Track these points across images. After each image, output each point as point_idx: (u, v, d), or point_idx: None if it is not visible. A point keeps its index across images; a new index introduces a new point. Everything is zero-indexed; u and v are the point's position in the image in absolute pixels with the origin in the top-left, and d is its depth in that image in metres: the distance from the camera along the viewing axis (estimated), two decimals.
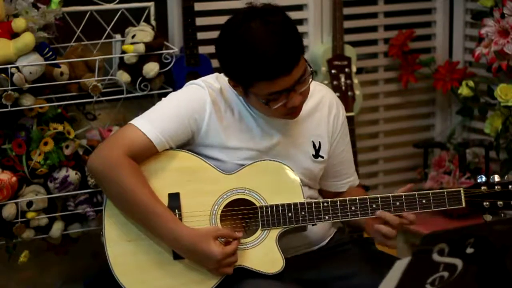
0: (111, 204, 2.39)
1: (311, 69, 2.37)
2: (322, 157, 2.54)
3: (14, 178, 2.86)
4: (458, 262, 1.78)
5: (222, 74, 2.51)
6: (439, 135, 4.07)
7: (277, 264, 2.36)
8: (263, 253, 2.37)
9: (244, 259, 2.36)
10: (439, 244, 1.73)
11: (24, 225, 2.93)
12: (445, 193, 2.41)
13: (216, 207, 2.39)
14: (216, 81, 2.47)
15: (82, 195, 3.04)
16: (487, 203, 2.40)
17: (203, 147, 2.44)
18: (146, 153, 2.40)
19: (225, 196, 2.40)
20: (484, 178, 2.42)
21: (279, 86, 2.29)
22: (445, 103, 4.06)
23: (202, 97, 2.43)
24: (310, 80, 2.37)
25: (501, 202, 2.40)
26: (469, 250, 1.78)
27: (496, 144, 3.47)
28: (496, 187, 2.41)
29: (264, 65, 2.25)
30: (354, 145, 3.32)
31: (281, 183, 2.42)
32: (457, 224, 3.52)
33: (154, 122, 2.39)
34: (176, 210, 2.37)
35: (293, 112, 2.38)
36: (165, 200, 2.38)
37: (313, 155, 2.52)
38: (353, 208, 2.40)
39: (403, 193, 2.40)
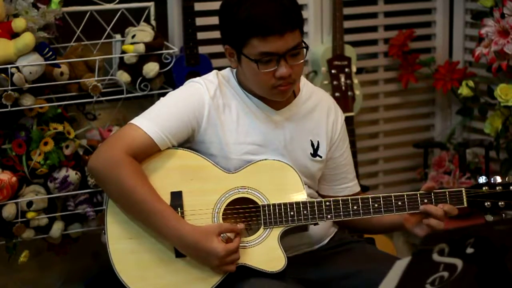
0: (113, 202, 2.40)
1: (305, 45, 2.39)
2: (320, 156, 2.54)
3: (14, 178, 2.86)
4: (458, 262, 1.78)
5: (221, 71, 2.52)
6: (439, 135, 4.08)
7: (279, 262, 2.36)
8: (265, 252, 2.37)
9: (246, 257, 2.36)
10: (439, 244, 1.73)
11: (24, 225, 2.93)
12: (447, 193, 2.42)
13: (218, 205, 2.40)
14: (215, 77, 2.49)
15: (82, 195, 3.04)
16: (489, 203, 2.41)
17: (202, 144, 2.45)
18: (147, 152, 2.40)
19: (228, 195, 2.41)
20: (485, 179, 2.43)
21: (271, 46, 2.32)
22: (445, 103, 4.06)
23: (201, 94, 2.44)
24: (304, 56, 2.39)
25: (502, 203, 2.41)
26: (469, 250, 1.78)
27: (496, 144, 3.48)
28: (498, 187, 2.42)
29: (259, 21, 2.31)
30: (354, 145, 3.33)
31: (284, 182, 2.43)
32: (457, 224, 3.52)
33: (155, 120, 2.40)
34: (179, 209, 2.38)
35: (281, 85, 2.38)
36: (167, 199, 2.38)
37: (311, 153, 2.53)
38: (355, 207, 2.41)
39: (405, 193, 2.41)
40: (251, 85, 2.44)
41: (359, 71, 3.81)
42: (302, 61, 2.39)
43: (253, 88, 2.45)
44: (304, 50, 2.39)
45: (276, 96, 2.43)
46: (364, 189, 2.78)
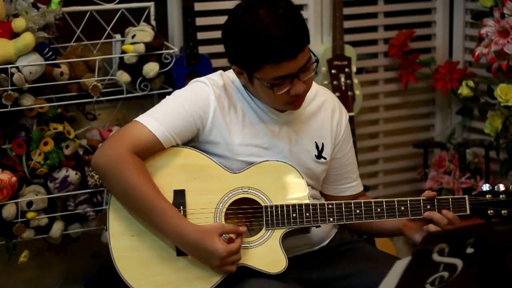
0: (115, 199, 2.40)
1: (315, 57, 2.38)
2: (325, 158, 2.54)
3: (14, 178, 2.86)
4: (458, 262, 1.78)
5: (226, 72, 2.52)
6: (439, 135, 4.08)
7: (280, 264, 2.36)
8: (266, 253, 2.37)
9: (247, 258, 2.36)
10: (439, 244, 1.73)
11: (24, 225, 2.93)
12: (450, 199, 2.42)
13: (221, 205, 2.40)
14: (220, 78, 2.49)
15: (82, 195, 3.04)
16: (492, 211, 2.40)
17: (207, 144, 2.45)
18: (151, 150, 2.40)
19: (231, 194, 2.41)
20: (489, 186, 2.43)
21: (284, 70, 2.31)
22: (445, 103, 4.06)
23: (206, 94, 2.43)
24: (314, 69, 2.38)
25: (505, 211, 2.40)
26: (469, 250, 1.78)
27: (496, 144, 3.48)
28: (501, 195, 2.41)
29: (271, 48, 2.27)
30: (354, 145, 3.32)
31: (287, 184, 2.43)
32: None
33: (160, 119, 2.40)
34: (181, 207, 2.38)
35: (295, 100, 2.39)
36: (170, 197, 2.38)
37: (315, 155, 2.53)
38: (357, 211, 2.40)
39: (408, 199, 2.41)
40: (263, 101, 2.44)
41: (359, 71, 3.81)
42: (313, 72, 2.39)
43: (267, 103, 2.44)
44: (315, 63, 2.38)
45: (290, 109, 2.44)
46: (364, 189, 2.77)
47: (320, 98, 2.56)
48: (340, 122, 2.58)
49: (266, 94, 2.38)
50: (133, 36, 3.10)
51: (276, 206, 2.39)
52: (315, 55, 2.39)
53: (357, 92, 3.57)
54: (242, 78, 2.42)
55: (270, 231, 2.39)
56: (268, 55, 2.28)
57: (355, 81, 3.58)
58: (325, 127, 2.55)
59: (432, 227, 2.38)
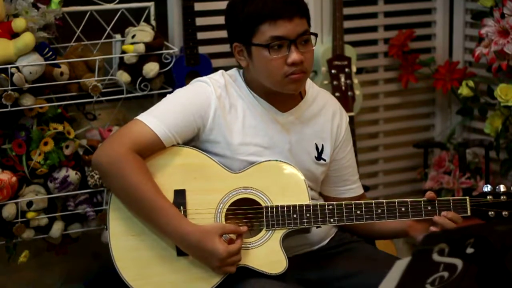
0: (116, 198, 2.40)
1: (315, 33, 2.42)
2: (324, 160, 2.54)
3: (14, 178, 2.86)
4: (458, 262, 1.78)
5: (227, 71, 2.53)
6: (439, 135, 4.08)
7: (280, 265, 2.36)
8: (267, 254, 2.37)
9: (247, 259, 2.36)
10: (439, 244, 1.73)
11: (24, 225, 2.93)
12: (451, 201, 2.42)
13: (221, 205, 2.40)
14: (222, 77, 2.49)
15: (82, 195, 3.04)
16: (492, 212, 2.40)
17: (207, 143, 2.45)
18: (152, 149, 2.40)
19: (231, 194, 2.41)
20: (490, 187, 2.42)
21: (281, 30, 2.34)
22: (445, 103, 4.06)
23: (208, 94, 2.44)
24: (313, 45, 2.41)
25: (506, 212, 2.40)
26: (469, 250, 1.78)
27: (496, 144, 3.48)
28: (502, 197, 2.41)
29: (268, 6, 2.34)
30: (354, 145, 3.33)
31: (287, 184, 2.43)
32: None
33: (161, 118, 2.40)
34: (182, 207, 2.38)
35: (293, 73, 2.37)
36: (170, 196, 2.38)
37: (315, 157, 2.53)
38: (358, 212, 2.40)
39: (408, 199, 2.41)
40: (262, 79, 2.43)
41: (359, 71, 3.81)
42: (312, 48, 2.41)
43: (265, 81, 2.43)
44: (314, 38, 2.41)
45: (288, 86, 2.41)
46: (364, 189, 2.77)
47: (321, 100, 2.57)
48: (341, 125, 2.58)
49: (264, 63, 2.38)
50: (133, 36, 3.10)
51: (277, 207, 2.39)
52: (315, 35, 2.42)
53: (357, 92, 3.57)
54: (243, 58, 2.43)
55: (270, 231, 2.39)
56: (264, 13, 2.33)
57: (355, 81, 3.58)
58: (326, 129, 2.55)
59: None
